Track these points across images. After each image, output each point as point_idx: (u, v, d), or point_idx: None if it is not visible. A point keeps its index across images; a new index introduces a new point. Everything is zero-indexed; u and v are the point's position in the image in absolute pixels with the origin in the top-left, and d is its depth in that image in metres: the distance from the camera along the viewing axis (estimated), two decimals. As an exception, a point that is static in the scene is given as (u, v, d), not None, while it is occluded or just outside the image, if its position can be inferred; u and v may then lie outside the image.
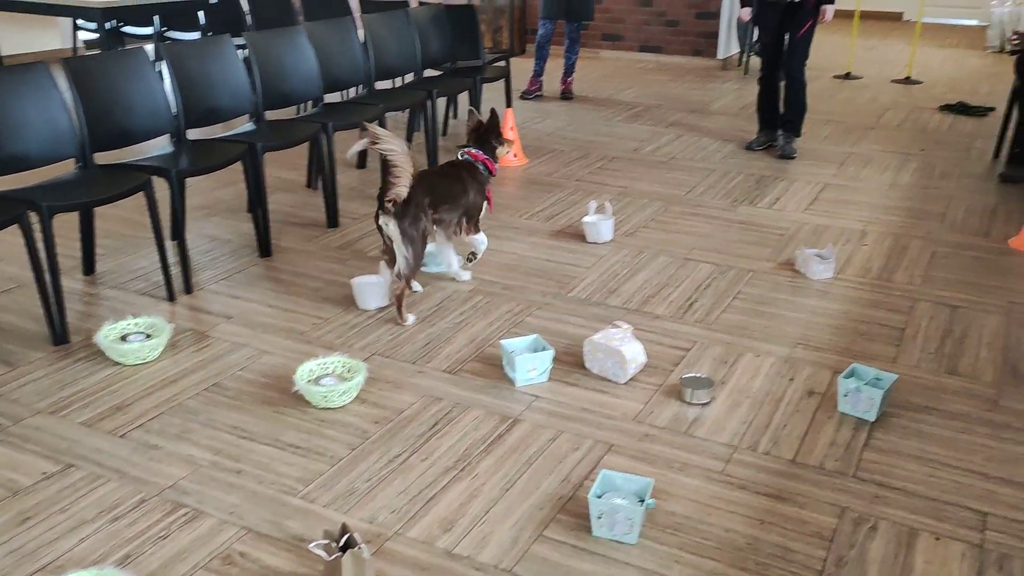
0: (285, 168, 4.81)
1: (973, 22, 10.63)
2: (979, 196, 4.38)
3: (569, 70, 6.66)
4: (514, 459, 2.31)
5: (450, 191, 3.18)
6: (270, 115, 3.92)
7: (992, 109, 6.15)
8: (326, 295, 3.27)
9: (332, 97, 4.59)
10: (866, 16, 10.88)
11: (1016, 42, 4.58)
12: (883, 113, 6.20)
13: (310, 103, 4.22)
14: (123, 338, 2.83)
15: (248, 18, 5.73)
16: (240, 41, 3.85)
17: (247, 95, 3.75)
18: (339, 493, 2.16)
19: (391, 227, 2.98)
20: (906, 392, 2.61)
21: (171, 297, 3.21)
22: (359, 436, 2.40)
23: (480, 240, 3.36)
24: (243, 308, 3.15)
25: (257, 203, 3.56)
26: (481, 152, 3.31)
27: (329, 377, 2.63)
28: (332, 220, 3.97)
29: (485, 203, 3.34)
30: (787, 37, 4.96)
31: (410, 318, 3.07)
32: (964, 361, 2.80)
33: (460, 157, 3.33)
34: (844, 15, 10.36)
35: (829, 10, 4.83)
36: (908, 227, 3.96)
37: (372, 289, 3.16)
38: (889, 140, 5.47)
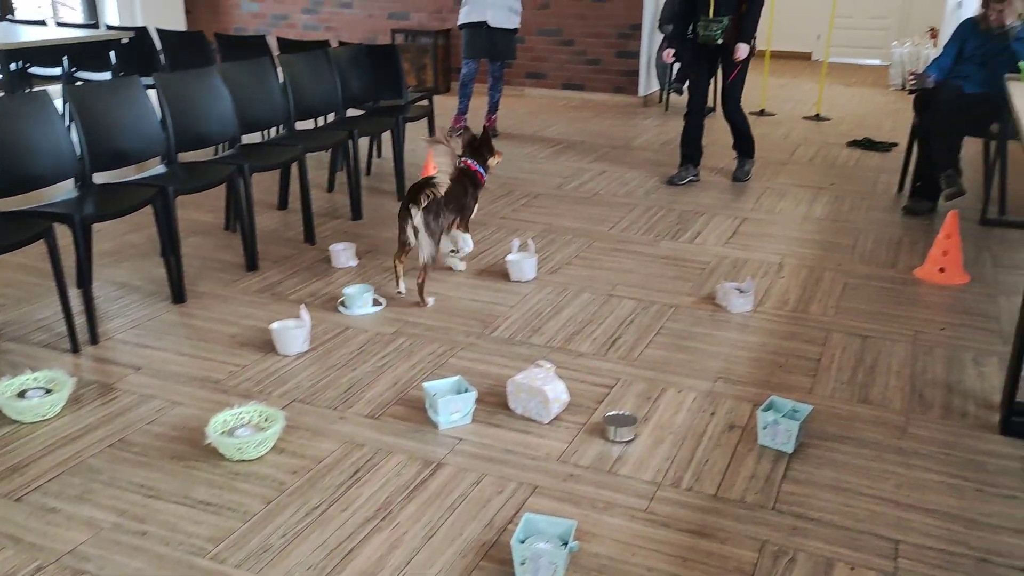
0: (202, 210, 4.70)
1: (876, 61, 11.17)
2: (886, 228, 4.56)
3: (493, 108, 6.73)
4: (437, 505, 2.26)
5: (455, 193, 3.57)
6: (186, 156, 3.83)
7: (895, 144, 6.44)
8: (244, 341, 3.18)
9: (253, 137, 4.52)
10: (777, 55, 11.33)
11: (913, 81, 4.80)
12: (796, 149, 6.42)
13: (227, 144, 4.15)
14: (21, 394, 2.69)
15: (162, 58, 5.63)
16: (151, 82, 3.77)
17: (158, 137, 3.66)
18: (252, 551, 2.08)
19: (419, 219, 3.38)
20: (822, 422, 2.67)
21: (75, 348, 3.07)
22: (275, 488, 2.32)
23: (467, 239, 3.84)
24: (153, 358, 3.04)
25: (170, 248, 3.46)
26: (475, 163, 3.80)
27: (244, 427, 2.54)
28: (251, 263, 3.88)
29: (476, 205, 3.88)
30: (720, 77, 5.21)
31: (430, 300, 3.51)
32: (875, 390, 2.87)
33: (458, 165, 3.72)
34: (757, 55, 10.77)
35: (741, 48, 5.02)
36: (821, 259, 4.09)
37: (292, 334, 3.09)
38: (802, 175, 5.66)
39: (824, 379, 2.94)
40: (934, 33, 9.69)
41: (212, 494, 2.29)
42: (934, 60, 4.83)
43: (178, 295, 3.51)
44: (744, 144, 5.53)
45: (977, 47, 4.64)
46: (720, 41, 5.05)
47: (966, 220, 4.57)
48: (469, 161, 3.79)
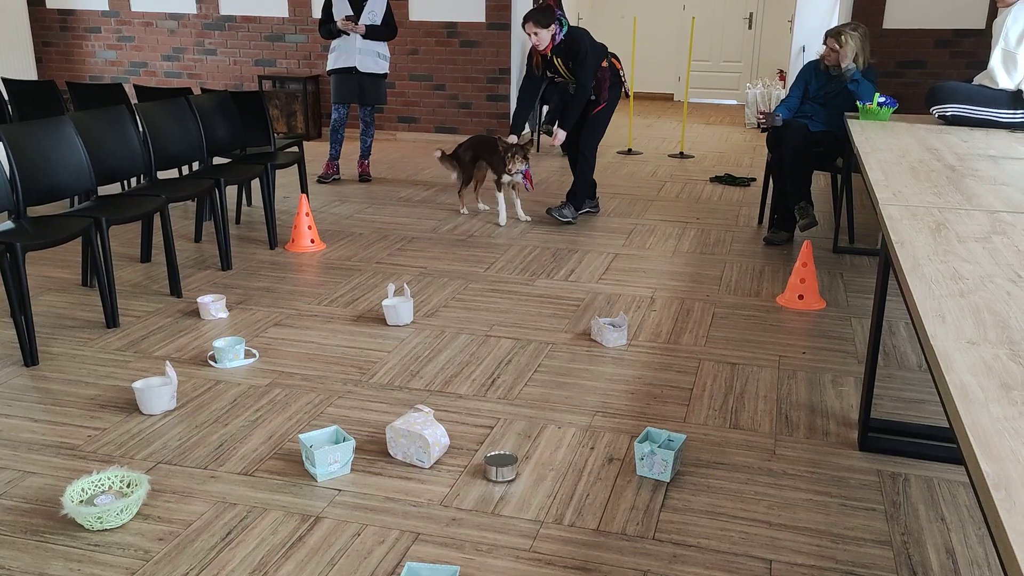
0: (56, 266, 4.43)
1: (733, 101, 11.84)
2: (749, 259, 4.80)
3: (365, 153, 6.70)
4: (316, 561, 2.18)
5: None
6: (38, 210, 3.61)
7: (754, 179, 6.82)
8: (104, 402, 3.00)
9: (112, 188, 4.32)
10: (641, 96, 11.85)
11: (763, 120, 5.12)
12: (663, 185, 6.69)
13: (83, 196, 3.94)
14: None
15: (10, 109, 5.33)
16: (-5, 133, 3.55)
17: (4, 191, 3.44)
18: (115, 627, 1.94)
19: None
20: (696, 450, 2.75)
21: (-89, 421, 2.82)
22: (140, 558, 2.18)
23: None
24: (3, 425, 2.82)
25: (18, 308, 3.24)
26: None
27: (104, 495, 2.39)
28: (111, 319, 3.68)
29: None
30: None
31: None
32: (745, 415, 2.99)
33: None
34: (622, 97, 11.22)
35: (559, 134, 5.30)
36: (691, 291, 4.25)
37: (157, 392, 2.94)
38: (669, 210, 5.90)
39: (697, 407, 3.04)
40: (782, 75, 10.39)
41: (70, 569, 2.13)
42: (782, 101, 5.16)
43: (30, 357, 3.28)
44: (578, 189, 5.43)
45: (819, 88, 5.00)
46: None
47: (820, 248, 4.88)
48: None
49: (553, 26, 5.11)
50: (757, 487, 2.54)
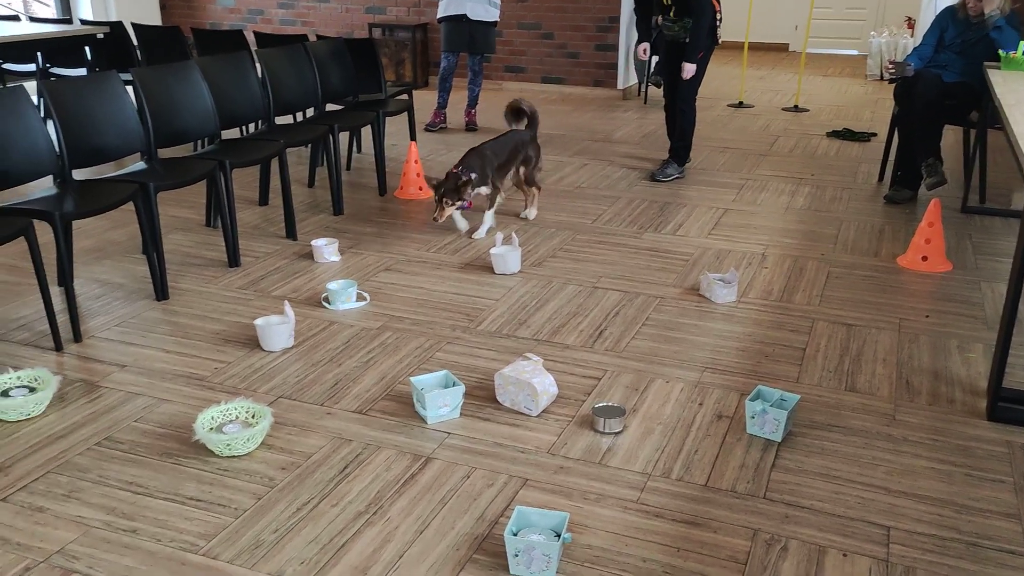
0: (182, 207, 4.65)
1: (854, 52, 11.25)
2: (867, 217, 4.59)
3: (473, 102, 6.70)
4: (428, 499, 2.25)
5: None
6: (165, 153, 3.78)
7: (875, 134, 6.49)
8: (228, 337, 3.15)
9: (231, 133, 4.47)
10: (755, 47, 11.39)
11: (892, 71, 4.83)
12: (775, 140, 6.45)
13: (206, 140, 4.10)
14: (4, 393, 2.64)
15: (138, 54, 5.56)
16: (129, 77, 3.71)
17: (137, 133, 3.61)
18: (244, 547, 2.06)
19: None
20: (809, 411, 2.68)
21: (58, 346, 3.03)
22: (265, 484, 2.30)
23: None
24: (138, 355, 3.00)
25: (151, 244, 3.41)
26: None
27: (232, 424, 2.52)
28: (233, 259, 3.84)
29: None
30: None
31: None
32: (862, 378, 2.90)
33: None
34: (735, 46, 10.83)
35: (686, 68, 5.05)
36: (804, 249, 4.11)
37: (277, 330, 3.06)
38: (782, 166, 5.69)
39: (810, 368, 2.96)
40: (911, 23, 9.78)
41: (202, 490, 2.27)
42: (914, 49, 4.87)
43: (161, 292, 3.47)
44: (679, 145, 5.32)
45: (956, 36, 4.69)
46: (686, 40, 5.06)
47: (948, 208, 4.62)
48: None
49: None
50: (875, 452, 2.47)
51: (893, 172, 4.97)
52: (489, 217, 4.31)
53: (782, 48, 11.70)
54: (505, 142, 4.40)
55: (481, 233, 4.26)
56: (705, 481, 2.33)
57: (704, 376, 2.90)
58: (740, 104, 7.83)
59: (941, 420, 2.64)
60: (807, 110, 7.58)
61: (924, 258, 3.84)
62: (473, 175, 4.10)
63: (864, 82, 9.19)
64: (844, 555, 2.05)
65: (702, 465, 2.40)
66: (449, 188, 4.06)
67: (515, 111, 4.60)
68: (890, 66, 4.82)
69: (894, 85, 4.93)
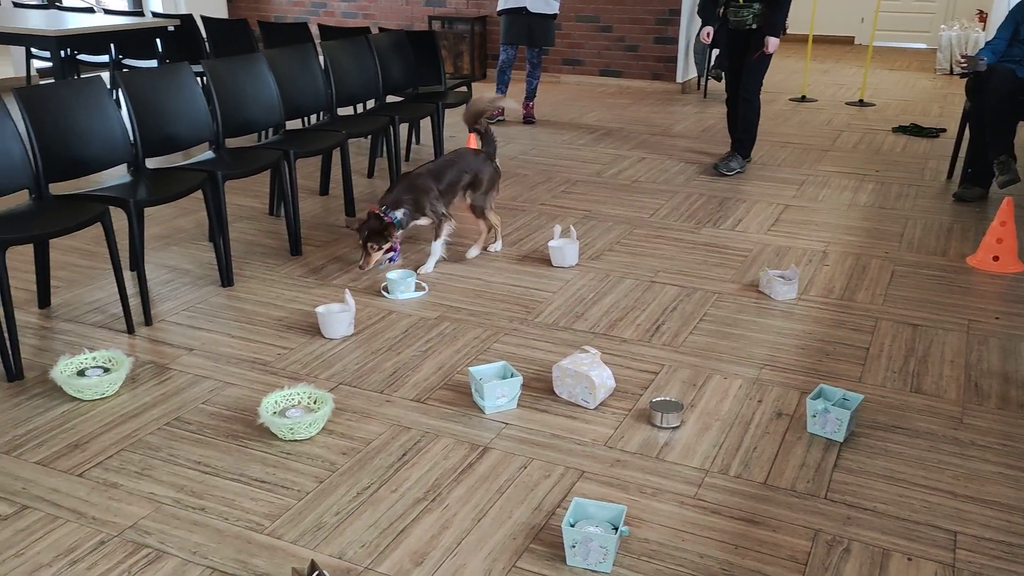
0: (246, 195, 4.75)
1: (922, 45, 10.94)
2: (935, 216, 4.47)
3: (531, 94, 6.71)
4: (485, 488, 2.27)
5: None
6: (230, 143, 3.87)
7: (944, 130, 6.31)
8: (290, 324, 3.22)
9: (293, 124, 4.55)
10: (819, 40, 11.15)
11: (964, 65, 4.69)
12: (838, 135, 6.32)
13: (270, 130, 4.18)
14: (80, 372, 2.75)
15: (207, 46, 5.69)
16: (199, 69, 3.81)
17: (206, 123, 3.70)
18: (307, 528, 2.11)
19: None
20: (873, 411, 2.64)
21: (130, 329, 3.13)
22: (326, 468, 2.35)
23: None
24: (205, 339, 3.09)
25: (218, 232, 3.50)
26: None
27: (295, 408, 2.58)
28: (295, 248, 3.92)
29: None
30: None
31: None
32: (928, 379, 2.83)
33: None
34: (798, 39, 10.62)
35: (771, 42, 4.95)
36: (868, 247, 4.03)
37: (338, 318, 3.12)
38: (845, 161, 5.57)
39: (874, 368, 2.91)
40: (983, 16, 9.47)
41: (266, 472, 2.33)
42: (987, 43, 4.72)
43: (226, 278, 3.56)
44: (744, 139, 5.26)
45: (1032, 30, 4.53)
46: (754, 26, 4.98)
47: (1021, 207, 4.48)
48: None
49: None
50: (941, 455, 2.41)
51: (963, 169, 4.83)
52: (437, 248, 3.72)
53: (847, 41, 11.44)
54: (448, 163, 3.75)
55: (428, 267, 3.69)
56: (764, 479, 2.31)
57: (763, 373, 2.86)
58: (802, 98, 7.69)
59: (1011, 425, 2.56)
60: (872, 105, 7.41)
61: (995, 258, 3.73)
62: (398, 214, 3.51)
63: (933, 76, 8.93)
64: (909, 559, 2.01)
65: (761, 463, 2.38)
66: (372, 230, 3.47)
67: (475, 115, 3.92)
68: (962, 60, 4.68)
69: (965, 80, 4.79)
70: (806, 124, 6.69)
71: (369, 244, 3.50)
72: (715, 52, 7.58)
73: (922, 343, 3.08)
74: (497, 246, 3.97)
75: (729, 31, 5.14)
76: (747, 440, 2.49)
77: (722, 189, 4.95)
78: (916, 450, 2.44)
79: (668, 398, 2.66)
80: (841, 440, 2.46)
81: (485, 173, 3.82)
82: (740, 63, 5.17)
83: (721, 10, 5.14)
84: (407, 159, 5.60)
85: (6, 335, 2.75)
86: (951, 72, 8.97)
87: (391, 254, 3.69)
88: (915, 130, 6.34)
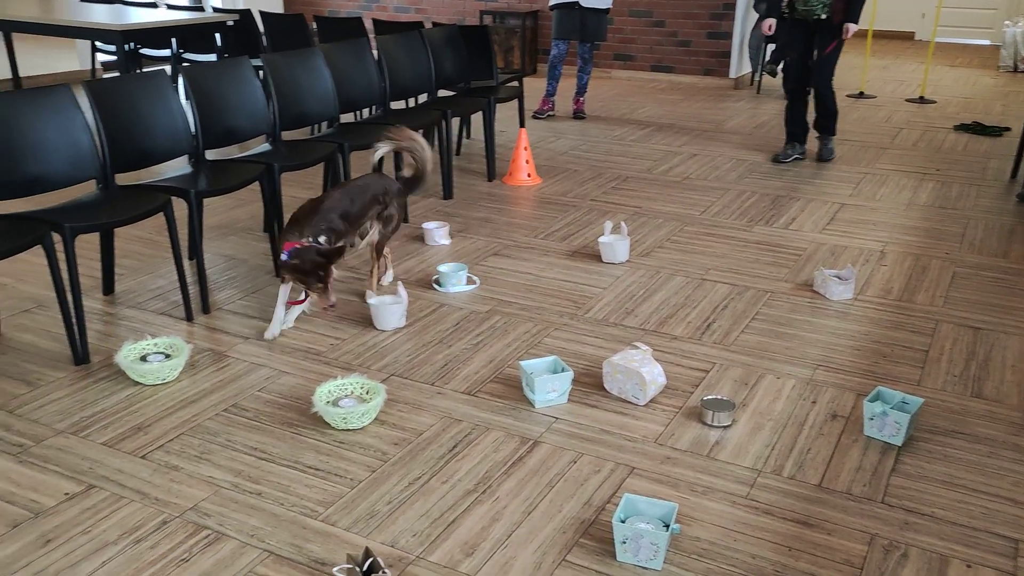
0: (300, 187, 4.83)
1: (985, 42, 10.64)
2: (997, 216, 4.36)
3: (581, 90, 6.68)
4: (535, 482, 2.28)
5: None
6: (285, 135, 3.93)
7: (1008, 129, 6.13)
8: (343, 315, 3.27)
9: (347, 117, 4.61)
10: (879, 35, 10.91)
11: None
12: (897, 132, 6.18)
13: (324, 123, 4.24)
14: (143, 358, 2.83)
15: (264, 40, 5.78)
16: (257, 62, 3.88)
17: (264, 116, 3.77)
18: (360, 516, 2.15)
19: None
20: (932, 416, 2.58)
21: (189, 317, 3.21)
22: (379, 458, 2.38)
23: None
24: (261, 328, 3.15)
25: (274, 222, 3.56)
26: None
27: (348, 398, 2.62)
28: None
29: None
30: (815, 54, 5.06)
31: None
32: (989, 384, 2.76)
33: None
34: (857, 35, 10.40)
35: (851, 27, 4.91)
36: (927, 247, 3.94)
37: (390, 309, 3.15)
38: (904, 159, 5.45)
39: (933, 371, 2.85)
40: (1050, 12, 9.17)
41: (320, 460, 2.37)
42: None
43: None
44: (828, 122, 5.38)
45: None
46: (823, 16, 4.92)
47: (1086, 210, 4.35)
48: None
49: None
50: (1002, 462, 2.36)
51: (1028, 169, 4.69)
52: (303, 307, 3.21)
53: (907, 37, 11.17)
54: (360, 189, 3.23)
55: (323, 302, 2.98)
56: (819, 481, 2.28)
57: (817, 374, 2.82)
58: (860, 94, 7.53)
59: (1077, 433, 2.49)
60: (933, 102, 7.23)
61: (1061, 261, 3.62)
62: (323, 238, 2.99)
63: (996, 74, 8.68)
64: (968, 566, 1.97)
65: (815, 464, 2.35)
66: (307, 269, 2.89)
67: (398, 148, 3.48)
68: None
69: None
70: (864, 121, 6.56)
71: (317, 285, 2.93)
72: (770, 47, 7.48)
73: (983, 347, 3.00)
74: (388, 276, 3.55)
75: (795, 21, 5.08)
76: (801, 441, 2.46)
77: (775, 187, 4.88)
78: (976, 456, 2.39)
79: (720, 396, 2.64)
80: (900, 444, 2.42)
81: (398, 208, 3.36)
82: (805, 56, 5.13)
83: (786, 1, 5.08)
84: (458, 153, 5.63)
85: (74, 321, 2.85)
86: (1015, 69, 8.70)
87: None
88: (977, 128, 6.17)
